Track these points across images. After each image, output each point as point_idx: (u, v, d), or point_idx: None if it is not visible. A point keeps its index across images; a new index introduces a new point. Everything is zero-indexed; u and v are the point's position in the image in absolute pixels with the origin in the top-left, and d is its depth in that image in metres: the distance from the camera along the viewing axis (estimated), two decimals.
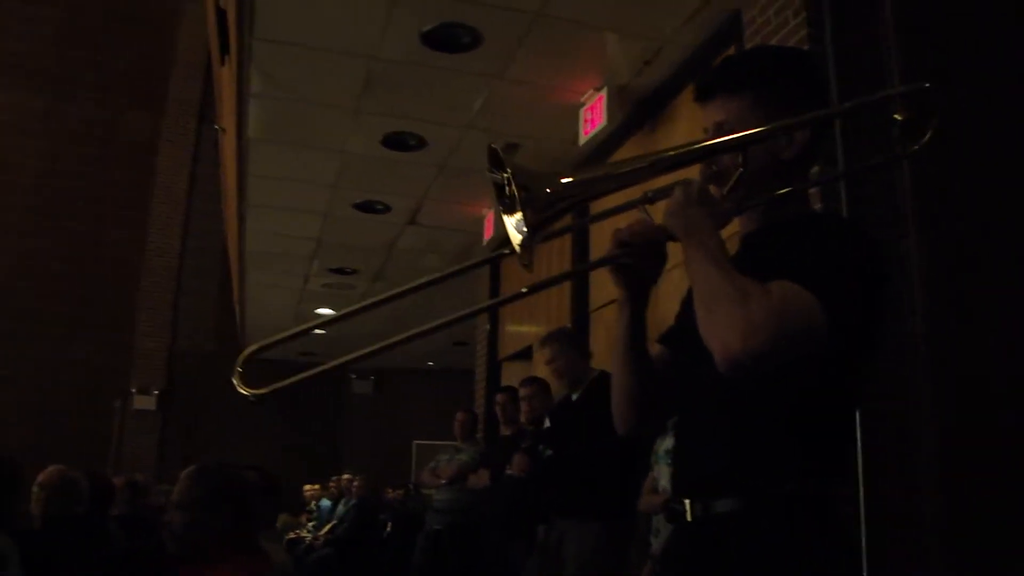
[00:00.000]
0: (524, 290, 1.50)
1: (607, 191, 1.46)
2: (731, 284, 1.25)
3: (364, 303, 1.50)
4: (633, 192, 1.47)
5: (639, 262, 1.51)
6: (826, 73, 3.46)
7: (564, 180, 1.37)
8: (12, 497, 2.91)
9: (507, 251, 1.44)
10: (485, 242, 7.44)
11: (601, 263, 1.58)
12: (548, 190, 1.35)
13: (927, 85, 1.48)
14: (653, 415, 1.66)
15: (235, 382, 1.38)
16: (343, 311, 1.54)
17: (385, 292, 1.50)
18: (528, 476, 4.75)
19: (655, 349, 1.66)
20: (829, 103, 1.51)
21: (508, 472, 4.95)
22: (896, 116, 1.51)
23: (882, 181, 3.39)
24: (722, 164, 1.47)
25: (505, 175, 1.34)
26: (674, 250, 1.44)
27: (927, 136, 1.48)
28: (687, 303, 1.52)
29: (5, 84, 13.54)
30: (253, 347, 1.43)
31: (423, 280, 1.54)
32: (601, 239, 5.28)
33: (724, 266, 1.28)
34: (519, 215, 1.33)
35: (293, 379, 1.42)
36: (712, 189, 1.43)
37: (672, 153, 1.44)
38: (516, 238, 1.38)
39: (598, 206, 1.61)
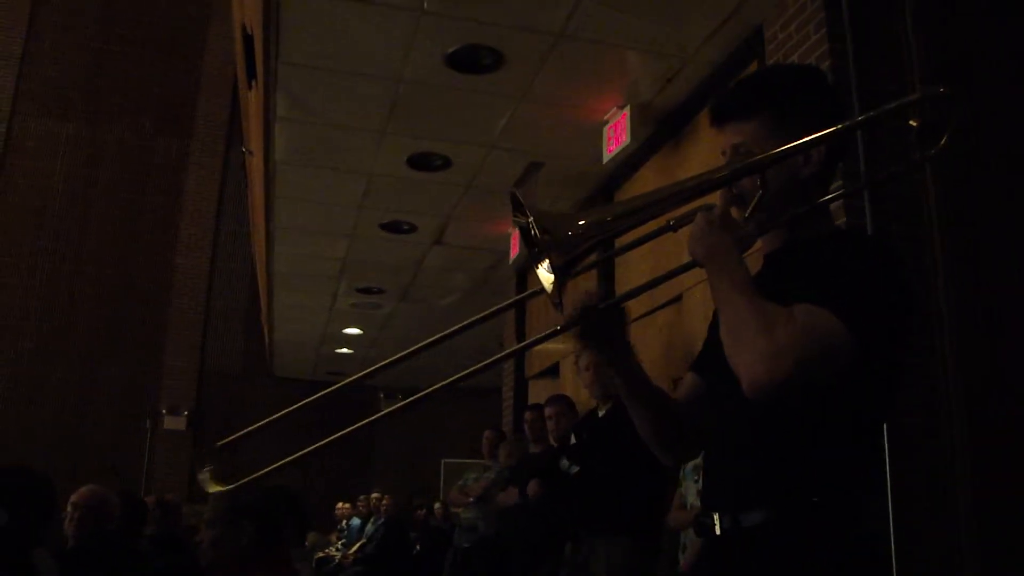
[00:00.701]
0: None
1: (628, 228, 1.46)
2: (755, 311, 1.26)
3: (374, 367, 1.59)
4: (658, 220, 1.48)
5: (587, 329, 1.55)
6: (848, 87, 3.46)
7: (583, 221, 1.39)
8: (48, 513, 2.96)
9: (538, 291, 1.46)
10: (511, 260, 7.45)
11: (543, 339, 1.64)
12: (569, 232, 1.37)
13: (941, 89, 1.48)
14: (687, 446, 1.67)
15: (205, 478, 1.48)
16: (336, 385, 1.69)
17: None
18: (548, 496, 4.75)
19: (687, 377, 1.67)
20: (845, 117, 1.50)
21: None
22: (911, 122, 1.51)
23: (906, 195, 3.38)
24: (742, 187, 1.47)
25: (528, 220, 1.37)
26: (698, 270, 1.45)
27: (944, 140, 1.48)
28: (715, 325, 1.53)
29: (38, 110, 13.81)
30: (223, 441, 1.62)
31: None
32: (627, 269, 5.30)
33: (748, 292, 1.29)
34: (546, 260, 1.37)
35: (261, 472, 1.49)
36: (734, 212, 1.44)
37: (690, 184, 1.45)
38: (547, 279, 1.40)
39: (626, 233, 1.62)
